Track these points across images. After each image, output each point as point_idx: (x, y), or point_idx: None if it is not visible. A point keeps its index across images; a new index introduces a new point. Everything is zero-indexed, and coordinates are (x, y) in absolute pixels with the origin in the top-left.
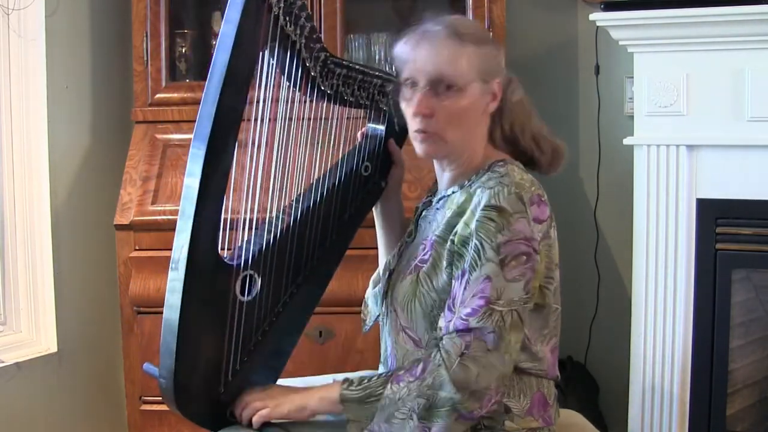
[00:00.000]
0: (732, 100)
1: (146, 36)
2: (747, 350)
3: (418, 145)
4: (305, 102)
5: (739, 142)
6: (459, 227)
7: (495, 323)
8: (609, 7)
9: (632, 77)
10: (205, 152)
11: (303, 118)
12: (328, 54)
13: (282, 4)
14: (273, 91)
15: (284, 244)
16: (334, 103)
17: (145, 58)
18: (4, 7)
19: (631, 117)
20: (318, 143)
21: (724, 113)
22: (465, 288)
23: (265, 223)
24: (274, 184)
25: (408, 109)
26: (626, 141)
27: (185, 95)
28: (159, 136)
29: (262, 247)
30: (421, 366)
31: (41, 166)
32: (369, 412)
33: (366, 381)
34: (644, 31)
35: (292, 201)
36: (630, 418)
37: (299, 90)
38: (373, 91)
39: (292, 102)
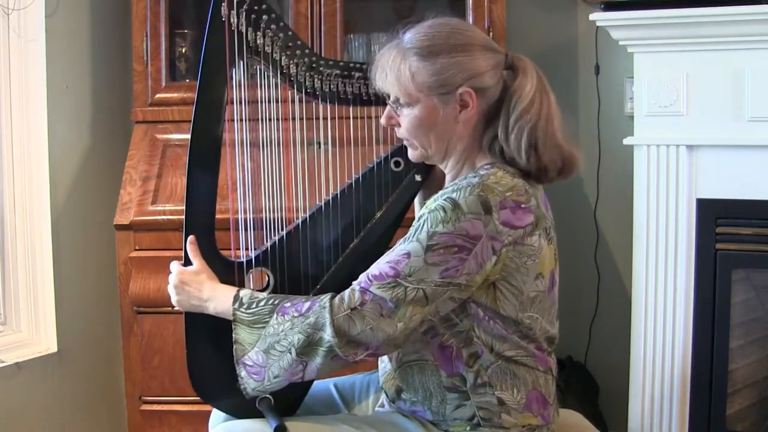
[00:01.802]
0: (732, 100)
1: (146, 36)
2: (747, 350)
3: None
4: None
5: (739, 142)
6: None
7: (395, 295)
8: (609, 7)
9: (632, 77)
10: (189, 152)
11: (317, 118)
12: (314, 58)
13: (245, 21)
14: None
15: (296, 244)
16: (330, 102)
17: (145, 58)
18: (4, 7)
19: (631, 117)
20: (325, 144)
21: (723, 113)
22: (389, 253)
23: (270, 224)
24: (274, 186)
25: None
26: (626, 141)
27: (185, 95)
28: (159, 136)
29: (269, 248)
30: (307, 304)
31: (41, 166)
32: (255, 337)
33: (255, 305)
34: (644, 31)
35: (312, 207)
36: (630, 418)
37: (279, 95)
38: None
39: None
